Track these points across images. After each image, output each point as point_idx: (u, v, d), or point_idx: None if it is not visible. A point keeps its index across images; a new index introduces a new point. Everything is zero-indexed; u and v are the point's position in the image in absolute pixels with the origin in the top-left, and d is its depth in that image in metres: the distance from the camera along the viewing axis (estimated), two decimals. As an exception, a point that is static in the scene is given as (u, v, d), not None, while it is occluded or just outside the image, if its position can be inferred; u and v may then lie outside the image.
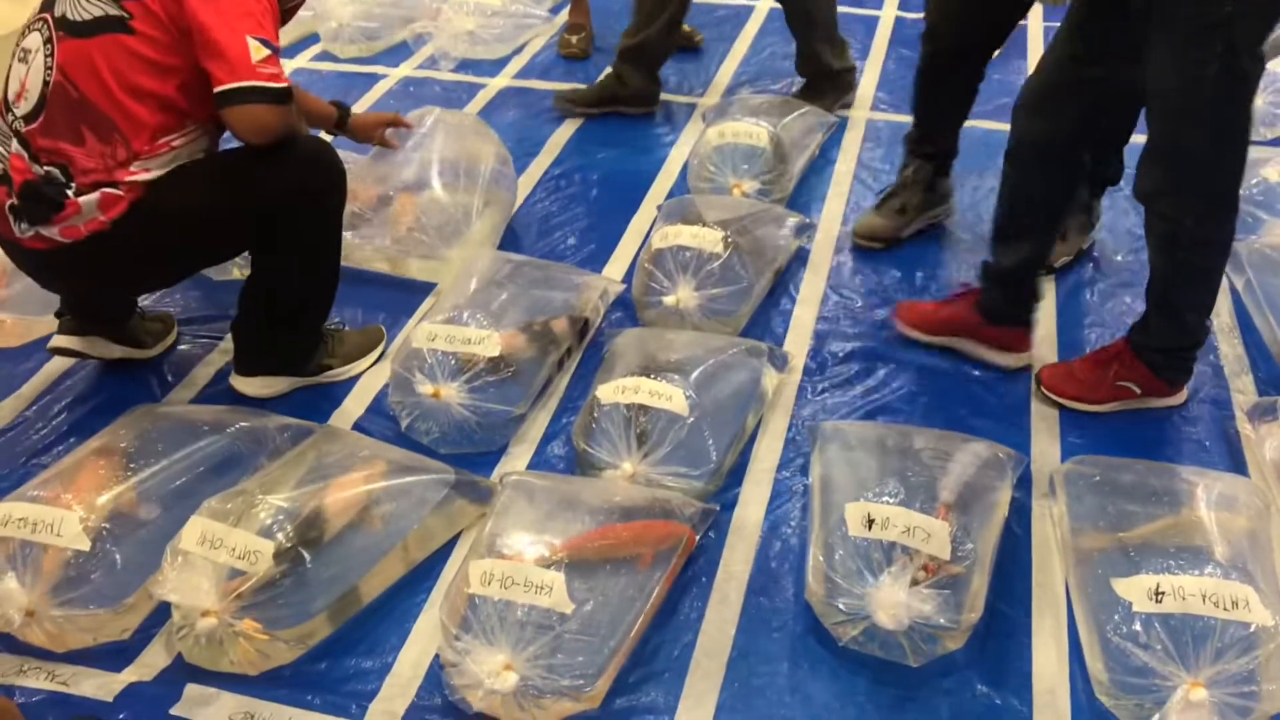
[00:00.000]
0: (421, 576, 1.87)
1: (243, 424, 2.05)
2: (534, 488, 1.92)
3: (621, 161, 3.18)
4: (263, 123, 1.91)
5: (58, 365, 2.36)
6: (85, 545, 1.69)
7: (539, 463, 2.11)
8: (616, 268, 2.69)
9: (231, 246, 2.19)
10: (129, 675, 1.68)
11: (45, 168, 1.92)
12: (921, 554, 1.67)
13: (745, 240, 2.47)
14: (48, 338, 2.31)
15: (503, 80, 3.67)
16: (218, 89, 1.88)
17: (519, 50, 3.90)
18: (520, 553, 1.71)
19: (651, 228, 2.70)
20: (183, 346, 2.43)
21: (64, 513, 1.70)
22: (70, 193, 1.91)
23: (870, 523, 1.71)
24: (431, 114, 2.85)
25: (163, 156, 1.96)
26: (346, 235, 2.43)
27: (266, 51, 1.90)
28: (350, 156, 2.89)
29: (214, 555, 1.67)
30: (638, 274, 2.51)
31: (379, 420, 2.21)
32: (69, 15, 1.92)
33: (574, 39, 3.87)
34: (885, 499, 1.74)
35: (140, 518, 1.82)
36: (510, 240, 2.79)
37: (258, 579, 1.67)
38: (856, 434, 2.01)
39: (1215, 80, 1.81)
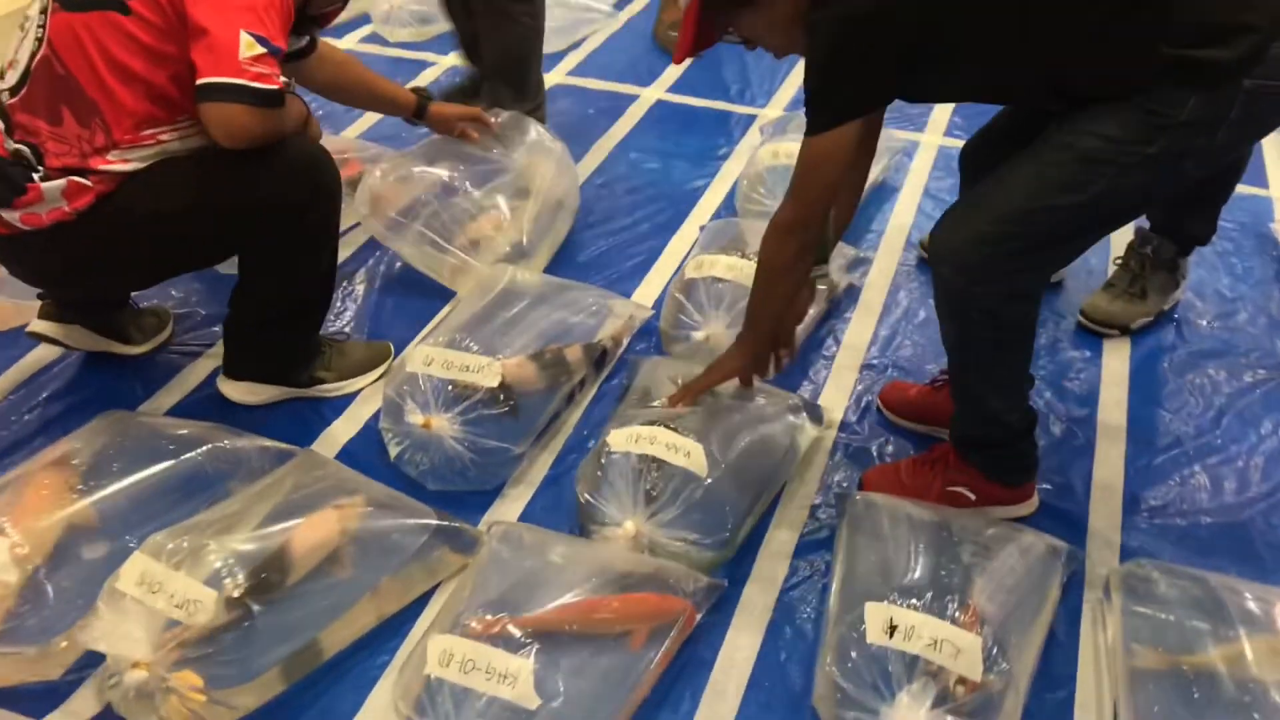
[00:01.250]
0: (389, 633, 1.69)
1: (217, 443, 1.87)
2: (522, 543, 1.73)
3: (669, 172, 2.97)
4: (238, 124, 1.73)
5: (41, 355, 2.22)
6: (12, 577, 1.53)
7: (536, 510, 1.91)
8: (648, 292, 2.48)
9: (209, 253, 2.02)
10: (49, 725, 1.52)
11: (16, 144, 1.77)
12: (948, 672, 1.45)
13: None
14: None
15: (555, 77, 3.47)
16: (198, 81, 1.70)
17: (576, 45, 3.70)
18: (493, 623, 1.51)
19: (690, 251, 2.49)
20: (176, 345, 2.27)
21: (-4, 539, 1.54)
22: (36, 176, 1.76)
23: (893, 629, 1.48)
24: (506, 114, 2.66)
25: (147, 149, 1.79)
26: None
27: (260, 49, 1.72)
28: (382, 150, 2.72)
29: (151, 600, 1.49)
30: (668, 303, 2.30)
31: (369, 447, 2.03)
32: None
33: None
34: (912, 601, 1.52)
35: (85, 546, 1.65)
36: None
37: (196, 631, 1.49)
38: (890, 510, 1.78)
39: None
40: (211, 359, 2.22)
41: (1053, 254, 1.73)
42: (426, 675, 1.44)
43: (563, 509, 1.91)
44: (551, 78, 3.45)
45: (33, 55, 1.78)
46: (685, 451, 1.80)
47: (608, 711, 1.51)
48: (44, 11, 1.79)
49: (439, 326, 2.14)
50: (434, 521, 1.78)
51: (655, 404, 1.97)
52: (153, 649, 1.47)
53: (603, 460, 1.84)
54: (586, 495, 1.82)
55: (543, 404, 2.03)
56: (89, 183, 1.76)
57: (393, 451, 1.96)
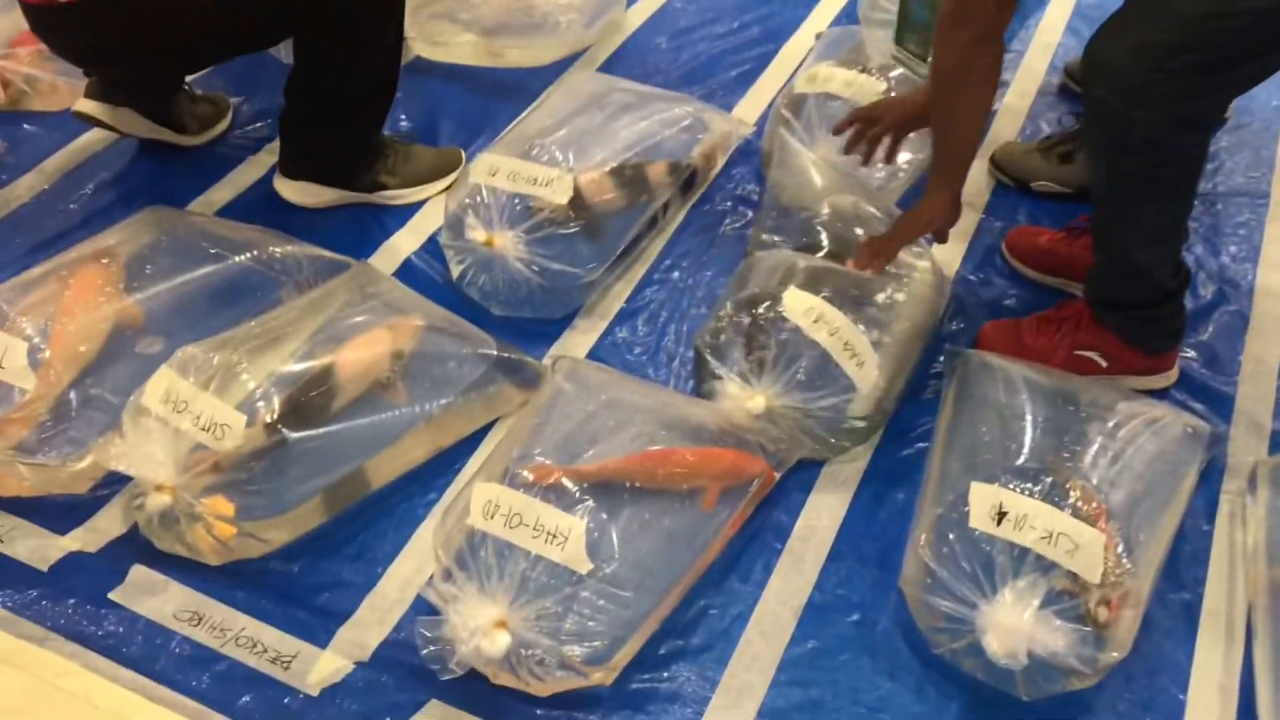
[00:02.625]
0: (439, 469, 1.55)
1: (268, 249, 1.71)
2: (588, 382, 1.55)
3: (785, -29, 2.64)
4: None
5: (93, 139, 2.06)
6: (29, 383, 1.40)
7: (606, 345, 1.73)
8: (752, 106, 2.21)
9: (256, 34, 1.79)
10: (72, 541, 1.42)
11: None
12: (1061, 571, 1.25)
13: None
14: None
15: None
16: None
17: None
18: (547, 472, 1.35)
19: (804, 62, 2.21)
20: (235, 137, 2.10)
21: (11, 340, 1.41)
22: None
23: (1001, 516, 1.28)
24: None
25: None
26: (443, 23, 2.04)
27: None
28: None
29: (175, 420, 1.36)
30: (773, 119, 2.04)
31: (432, 262, 1.85)
32: None
33: None
34: (1027, 485, 1.31)
35: (118, 351, 1.52)
36: (628, 56, 2.32)
37: (226, 456, 1.36)
38: (1007, 373, 1.55)
39: None
40: (270, 154, 2.03)
41: (1232, 74, 1.42)
42: (469, 526, 1.29)
43: (640, 347, 1.73)
44: None
45: None
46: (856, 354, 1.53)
47: (670, 575, 1.35)
48: None
49: (509, 133, 1.92)
50: (494, 351, 1.61)
51: (819, 258, 1.68)
52: (177, 472, 1.35)
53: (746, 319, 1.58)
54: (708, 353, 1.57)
55: (621, 227, 1.82)
56: None
57: (454, 271, 1.79)
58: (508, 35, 2.22)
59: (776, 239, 1.74)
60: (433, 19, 2.24)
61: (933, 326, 1.71)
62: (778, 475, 1.50)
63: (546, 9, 2.23)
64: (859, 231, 1.72)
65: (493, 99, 2.20)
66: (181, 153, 2.04)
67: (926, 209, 1.64)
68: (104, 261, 1.61)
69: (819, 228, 1.73)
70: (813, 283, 1.59)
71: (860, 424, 1.55)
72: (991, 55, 1.47)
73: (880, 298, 1.64)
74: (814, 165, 1.82)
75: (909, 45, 1.98)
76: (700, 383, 1.60)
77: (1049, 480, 1.32)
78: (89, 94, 1.92)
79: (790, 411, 1.51)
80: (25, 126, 2.09)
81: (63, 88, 2.14)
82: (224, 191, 1.97)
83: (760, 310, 1.56)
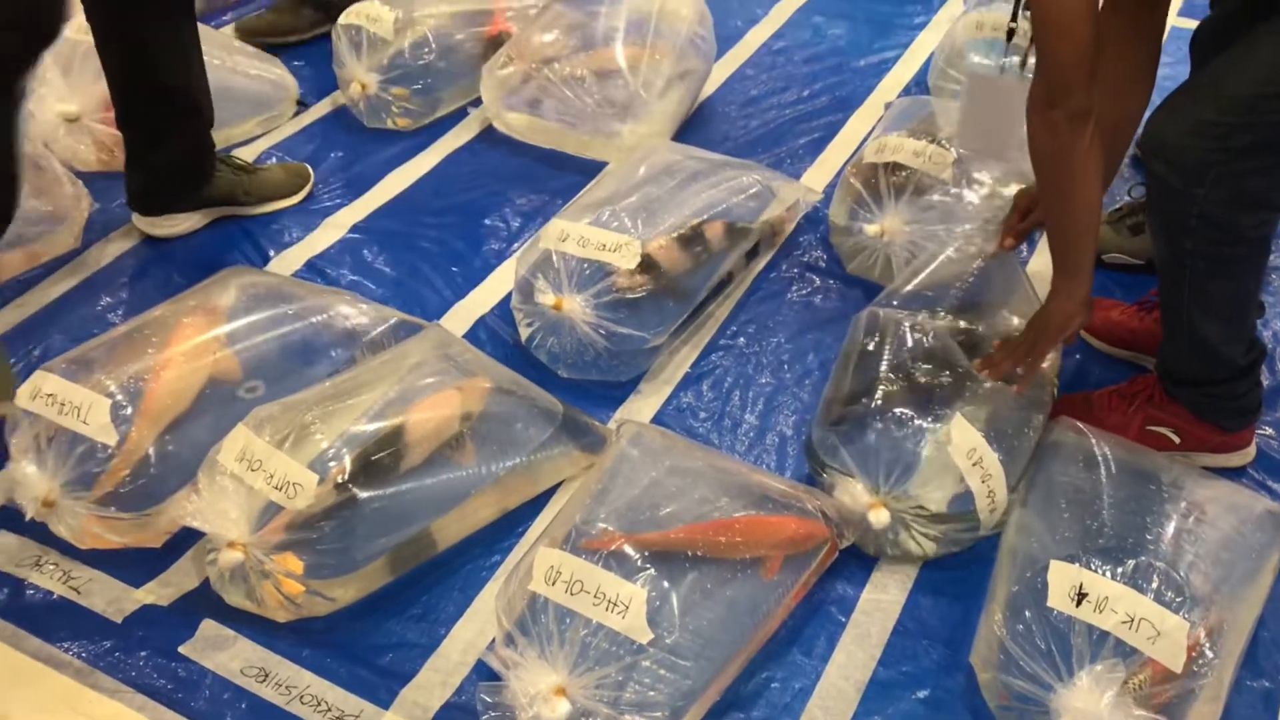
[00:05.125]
0: (504, 531, 1.56)
1: (345, 308, 1.75)
2: (653, 447, 1.55)
3: (856, 42, 2.66)
4: None
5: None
6: (111, 439, 1.44)
7: (671, 410, 1.73)
8: (820, 174, 2.23)
9: None
10: (146, 594, 1.45)
11: None
12: (1143, 659, 1.22)
13: (984, 167, 1.96)
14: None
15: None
16: None
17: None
18: (609, 540, 1.36)
19: (873, 132, 2.22)
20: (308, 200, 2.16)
21: (95, 398, 1.45)
22: None
23: (1081, 597, 1.26)
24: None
25: None
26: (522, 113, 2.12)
27: None
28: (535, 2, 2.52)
29: (250, 478, 1.39)
30: (841, 189, 2.04)
31: (502, 325, 1.88)
32: None
33: None
34: (1108, 566, 1.28)
35: (202, 408, 1.56)
36: (698, 124, 2.36)
37: (298, 514, 1.39)
38: (1084, 447, 1.52)
39: None
40: (350, 213, 2.09)
41: None
42: (531, 591, 1.30)
43: (704, 412, 1.73)
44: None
45: None
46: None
47: (730, 646, 1.34)
48: None
49: (578, 201, 1.95)
50: (561, 414, 1.63)
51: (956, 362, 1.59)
52: (249, 529, 1.38)
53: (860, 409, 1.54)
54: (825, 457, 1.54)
55: (688, 292, 1.84)
56: None
57: (523, 333, 1.81)
58: (592, 124, 2.25)
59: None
60: (514, 108, 2.29)
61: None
62: (842, 545, 1.49)
63: (635, 100, 2.24)
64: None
65: (562, 166, 2.24)
66: (258, 217, 2.10)
67: (1058, 312, 1.54)
68: (190, 320, 1.65)
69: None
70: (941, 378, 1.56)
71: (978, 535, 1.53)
72: (1089, 135, 1.39)
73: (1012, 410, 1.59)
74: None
75: None
76: (817, 471, 1.57)
77: (1131, 563, 1.29)
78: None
79: (914, 521, 1.48)
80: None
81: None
82: (301, 251, 2.03)
83: (884, 403, 1.53)
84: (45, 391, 1.46)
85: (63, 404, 1.45)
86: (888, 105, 2.32)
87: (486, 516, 1.58)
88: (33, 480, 1.44)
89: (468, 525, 1.56)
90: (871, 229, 1.92)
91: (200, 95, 1.96)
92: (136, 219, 2.04)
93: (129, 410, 1.48)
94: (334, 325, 1.73)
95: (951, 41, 2.40)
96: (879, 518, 1.46)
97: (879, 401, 1.53)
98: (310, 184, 2.15)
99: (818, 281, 1.97)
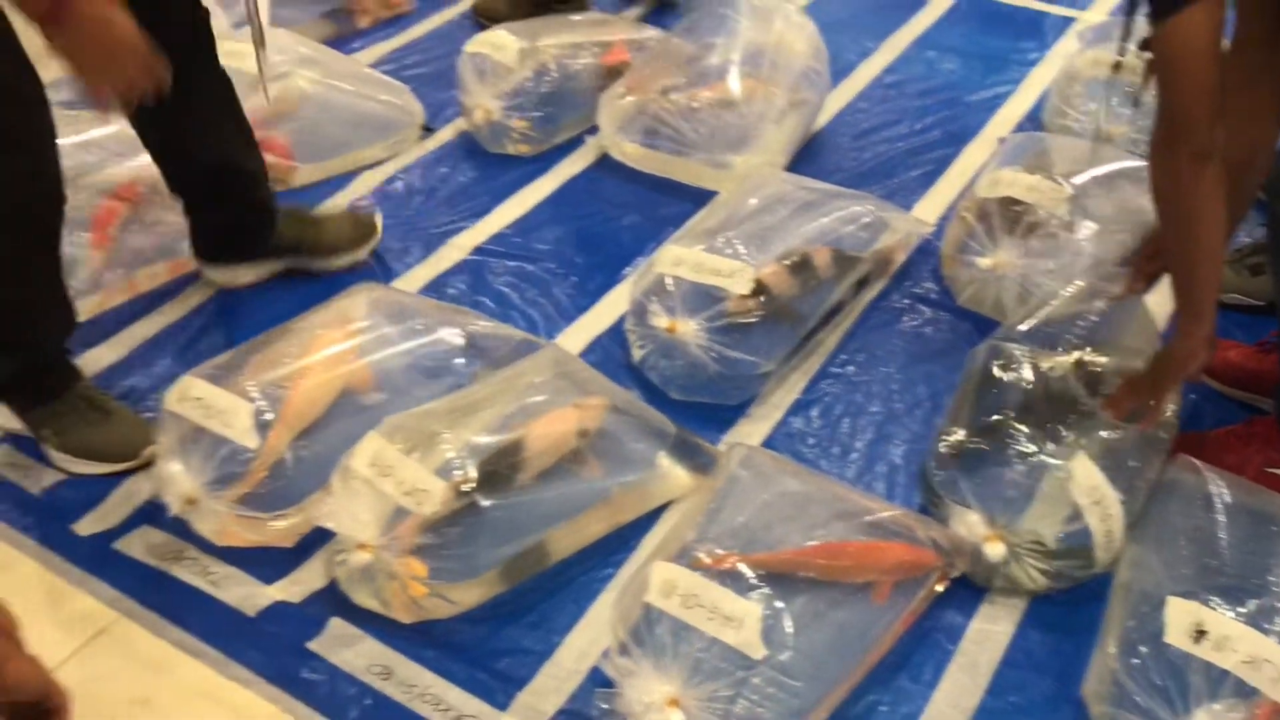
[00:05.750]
0: (616, 545, 1.60)
1: (468, 325, 1.82)
2: (763, 470, 1.59)
3: (969, 77, 2.67)
4: None
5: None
6: (253, 443, 1.53)
7: (781, 435, 1.76)
8: (932, 207, 2.25)
9: None
10: (277, 591, 1.52)
11: None
12: (1263, 700, 1.21)
13: (1098, 203, 1.96)
14: (335, 180, 2.27)
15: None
16: None
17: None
18: (723, 558, 1.39)
19: (986, 166, 2.23)
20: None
21: (239, 402, 1.54)
22: None
23: (1200, 634, 1.25)
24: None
25: None
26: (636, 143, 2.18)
27: None
28: (654, 34, 2.59)
29: (381, 483, 1.46)
30: (954, 222, 2.06)
31: (614, 346, 1.93)
32: None
33: None
34: (1229, 605, 1.28)
35: (330, 416, 1.64)
36: (811, 154, 2.39)
37: (424, 519, 1.45)
38: (1204, 487, 1.50)
39: None
40: (471, 236, 2.17)
41: None
42: (646, 603, 1.34)
43: (812, 438, 1.76)
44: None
45: None
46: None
47: (839, 668, 1.37)
48: None
49: (691, 227, 2.00)
50: (672, 432, 1.67)
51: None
52: (379, 532, 1.44)
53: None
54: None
55: (799, 319, 1.87)
56: None
57: (636, 355, 1.86)
58: (705, 153, 2.28)
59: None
60: (629, 137, 2.35)
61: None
62: (953, 574, 1.50)
63: (749, 131, 2.28)
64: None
65: (674, 193, 2.29)
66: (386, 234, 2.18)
67: (1181, 351, 1.52)
68: (324, 332, 1.73)
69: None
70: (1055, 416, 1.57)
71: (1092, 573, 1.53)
72: (1212, 175, 1.37)
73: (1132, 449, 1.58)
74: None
75: None
76: (932, 500, 1.59)
77: (1253, 603, 1.28)
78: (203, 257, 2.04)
79: (1028, 555, 1.49)
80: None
81: (302, 168, 2.32)
82: (424, 270, 2.11)
83: (1004, 437, 1.54)
84: (192, 395, 1.55)
85: (208, 408, 1.54)
86: (1001, 140, 2.32)
87: (598, 531, 1.62)
88: (177, 479, 1.52)
89: (580, 539, 1.60)
90: (984, 262, 1.93)
91: (243, 157, 1.93)
92: (205, 269, 2.03)
93: (269, 416, 1.56)
94: (456, 341, 1.79)
95: (1068, 78, 2.40)
96: (994, 551, 1.47)
97: (999, 435, 1.54)
98: (377, 236, 2.11)
99: (928, 313, 1.99)
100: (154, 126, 1.47)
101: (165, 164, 1.89)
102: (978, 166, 2.31)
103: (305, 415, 1.60)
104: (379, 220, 2.13)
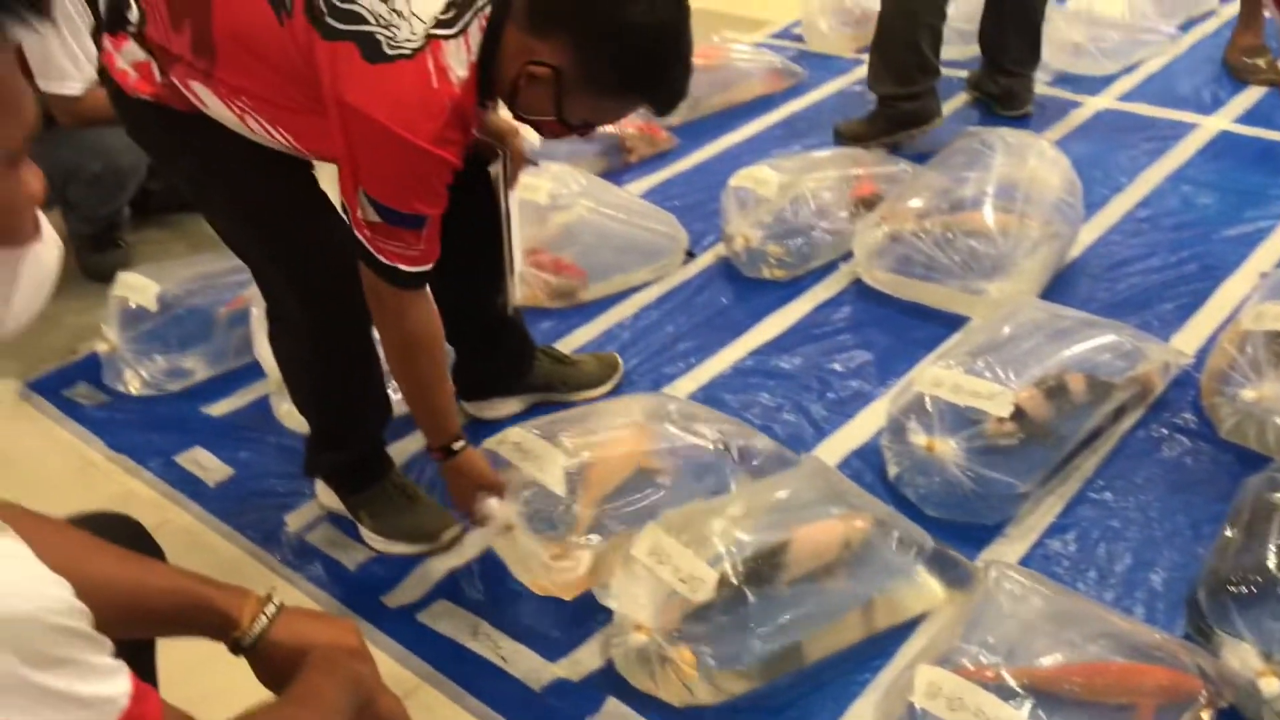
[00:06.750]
0: (873, 651, 1.67)
1: (735, 436, 1.95)
2: (1022, 589, 1.62)
3: (1226, 211, 2.67)
4: (365, 282, 1.59)
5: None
6: (561, 489, 1.72)
7: (1037, 556, 1.80)
8: (1190, 338, 2.25)
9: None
10: (560, 669, 1.66)
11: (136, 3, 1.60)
12: None
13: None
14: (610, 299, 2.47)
15: (1104, 100, 3.26)
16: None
17: (1131, 68, 3.45)
18: (987, 667, 1.44)
19: (1247, 299, 2.23)
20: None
21: (553, 451, 1.74)
22: (131, 27, 1.59)
23: None
24: (992, 133, 2.58)
25: (229, 111, 1.57)
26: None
27: (375, 217, 1.50)
28: (906, 167, 2.72)
29: (659, 570, 1.59)
30: (1215, 353, 2.06)
31: (869, 462, 2.02)
32: None
33: (1261, 62, 3.31)
34: None
35: (623, 488, 1.81)
36: (1064, 284, 2.44)
37: (694, 606, 1.57)
38: None
39: None
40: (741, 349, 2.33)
41: None
42: (910, 703, 1.40)
43: (1066, 560, 1.78)
44: (1099, 101, 3.25)
45: None
46: None
47: (1101, 787, 1.38)
48: None
49: (948, 350, 2.08)
50: (930, 545, 1.74)
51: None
52: (655, 615, 1.57)
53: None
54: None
55: (1055, 442, 1.91)
56: (159, 78, 1.57)
57: (892, 470, 1.94)
58: (959, 281, 2.38)
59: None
60: (883, 265, 2.47)
61: None
62: (1220, 704, 1.49)
63: (1003, 260, 2.36)
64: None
65: (925, 318, 2.38)
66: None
67: None
68: (626, 419, 1.90)
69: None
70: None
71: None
72: None
73: None
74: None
75: None
76: (1200, 630, 1.59)
77: None
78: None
79: None
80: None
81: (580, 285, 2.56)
82: (688, 382, 2.27)
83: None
84: (511, 440, 1.79)
85: (525, 452, 1.76)
86: (1264, 275, 2.31)
87: (855, 636, 1.69)
88: (496, 508, 1.73)
89: (838, 642, 1.68)
90: (1249, 394, 1.92)
91: (504, 312, 2.05)
92: (465, 405, 2.14)
93: (576, 467, 1.75)
94: (722, 446, 1.93)
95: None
96: (1270, 686, 1.45)
97: (1277, 570, 1.53)
98: (619, 374, 2.25)
99: (1188, 443, 1.99)
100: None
101: (446, 320, 2.07)
102: (1238, 300, 2.30)
103: (606, 483, 1.78)
104: (620, 360, 2.28)
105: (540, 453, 1.75)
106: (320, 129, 1.51)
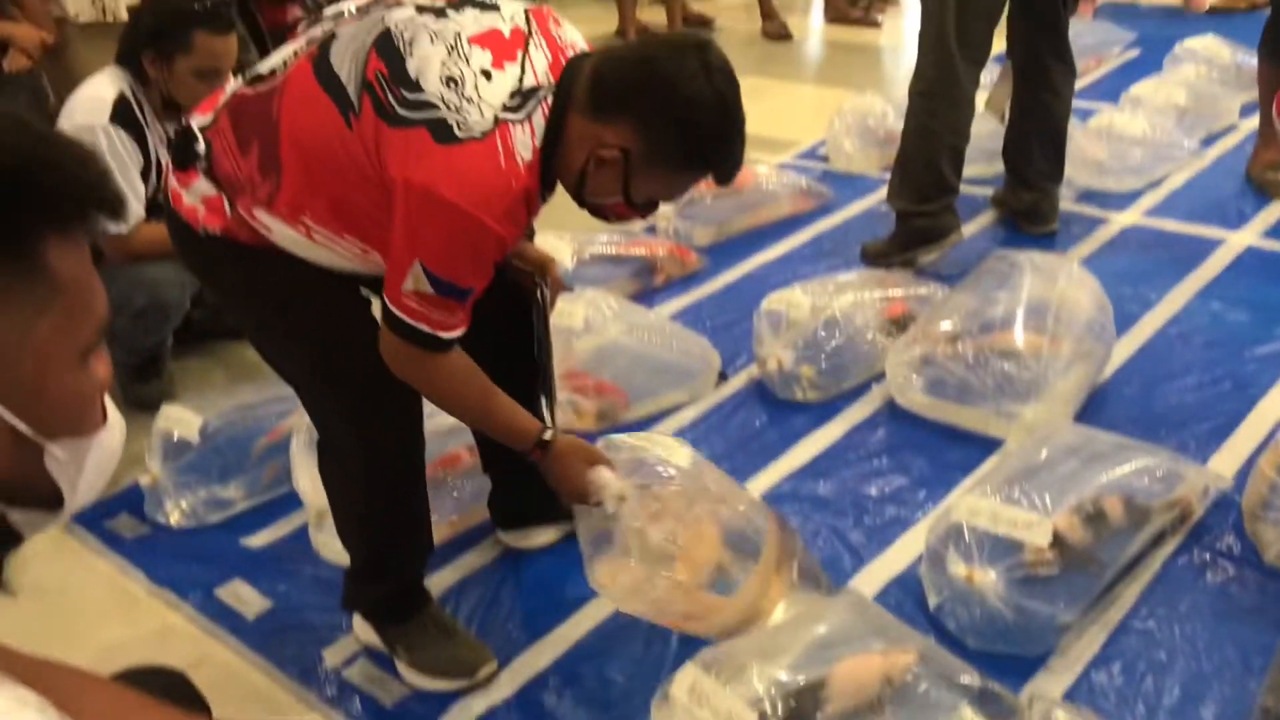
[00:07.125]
0: (916, 792, 1.64)
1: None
2: (1071, 725, 1.60)
3: (1258, 329, 2.68)
4: (388, 349, 1.60)
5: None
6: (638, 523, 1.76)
7: (1082, 689, 1.77)
8: (1228, 460, 2.24)
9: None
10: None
11: (202, 134, 1.66)
12: None
13: None
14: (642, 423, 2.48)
15: (1131, 216, 3.30)
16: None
17: (1155, 184, 3.49)
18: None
19: (1283, 420, 2.23)
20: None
21: (618, 484, 1.77)
22: (199, 166, 1.64)
23: None
24: (1020, 254, 2.62)
25: (293, 231, 1.61)
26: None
27: (429, 289, 1.52)
28: (936, 289, 2.75)
29: (697, 711, 1.58)
30: (1254, 477, 2.05)
31: (907, 591, 2.00)
32: (330, 56, 1.58)
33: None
34: None
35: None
36: (1098, 405, 2.45)
37: (735, 751, 1.55)
38: None
39: None
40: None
41: None
42: None
43: (1112, 693, 1.75)
44: (1126, 218, 3.29)
45: (273, 73, 1.63)
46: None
47: None
48: (298, 54, 1.63)
49: (984, 476, 2.08)
50: (977, 684, 1.71)
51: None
52: (693, 760, 1.55)
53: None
54: None
55: (1096, 571, 1.89)
56: (229, 212, 1.63)
57: (932, 600, 1.93)
58: (993, 404, 2.38)
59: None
60: (916, 387, 2.49)
61: None
62: None
63: (1036, 382, 2.36)
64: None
65: (959, 440, 2.38)
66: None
67: None
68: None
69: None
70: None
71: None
72: None
73: None
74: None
75: None
76: None
77: None
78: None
79: None
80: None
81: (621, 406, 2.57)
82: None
83: None
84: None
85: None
86: (1298, 394, 2.31)
87: (897, 775, 1.66)
88: (609, 478, 1.75)
89: (880, 782, 1.65)
90: (1290, 519, 1.91)
91: None
92: (501, 534, 2.18)
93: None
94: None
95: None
96: None
97: None
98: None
99: (1231, 570, 1.97)
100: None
101: (479, 443, 2.10)
102: (1273, 421, 2.29)
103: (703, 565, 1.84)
104: None
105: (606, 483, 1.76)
106: (386, 225, 1.54)
